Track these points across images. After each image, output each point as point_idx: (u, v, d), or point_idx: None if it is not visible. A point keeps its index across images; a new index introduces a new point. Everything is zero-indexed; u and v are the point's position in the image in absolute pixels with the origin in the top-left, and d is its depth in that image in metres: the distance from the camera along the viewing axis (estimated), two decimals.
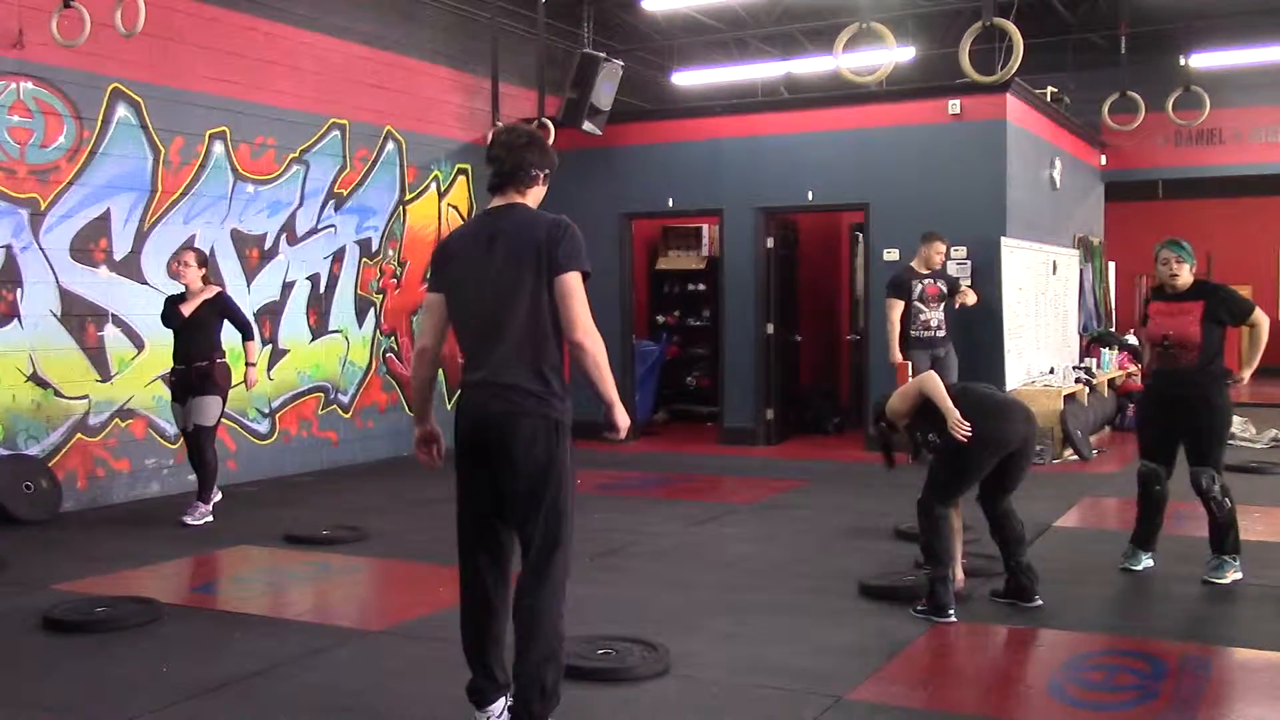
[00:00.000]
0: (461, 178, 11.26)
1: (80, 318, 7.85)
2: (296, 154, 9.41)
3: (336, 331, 9.90)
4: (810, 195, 10.94)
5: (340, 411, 9.94)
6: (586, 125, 10.84)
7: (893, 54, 7.88)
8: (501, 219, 3.57)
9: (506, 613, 3.56)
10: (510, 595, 3.56)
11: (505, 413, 3.46)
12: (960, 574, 5.28)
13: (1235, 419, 11.06)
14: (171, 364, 7.38)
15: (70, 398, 7.77)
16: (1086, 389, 10.96)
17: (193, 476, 7.51)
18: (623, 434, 3.58)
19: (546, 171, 3.67)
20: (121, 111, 8.06)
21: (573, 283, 3.46)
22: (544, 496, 3.47)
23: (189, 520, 7.19)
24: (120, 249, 8.09)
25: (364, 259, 10.15)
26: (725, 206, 11.31)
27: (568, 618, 3.50)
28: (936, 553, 5.04)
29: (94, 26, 7.19)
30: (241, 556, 6.61)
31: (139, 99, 8.15)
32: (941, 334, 9.31)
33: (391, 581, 6.15)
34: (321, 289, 9.76)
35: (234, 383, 7.59)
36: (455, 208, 11.19)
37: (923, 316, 9.26)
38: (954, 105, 10.35)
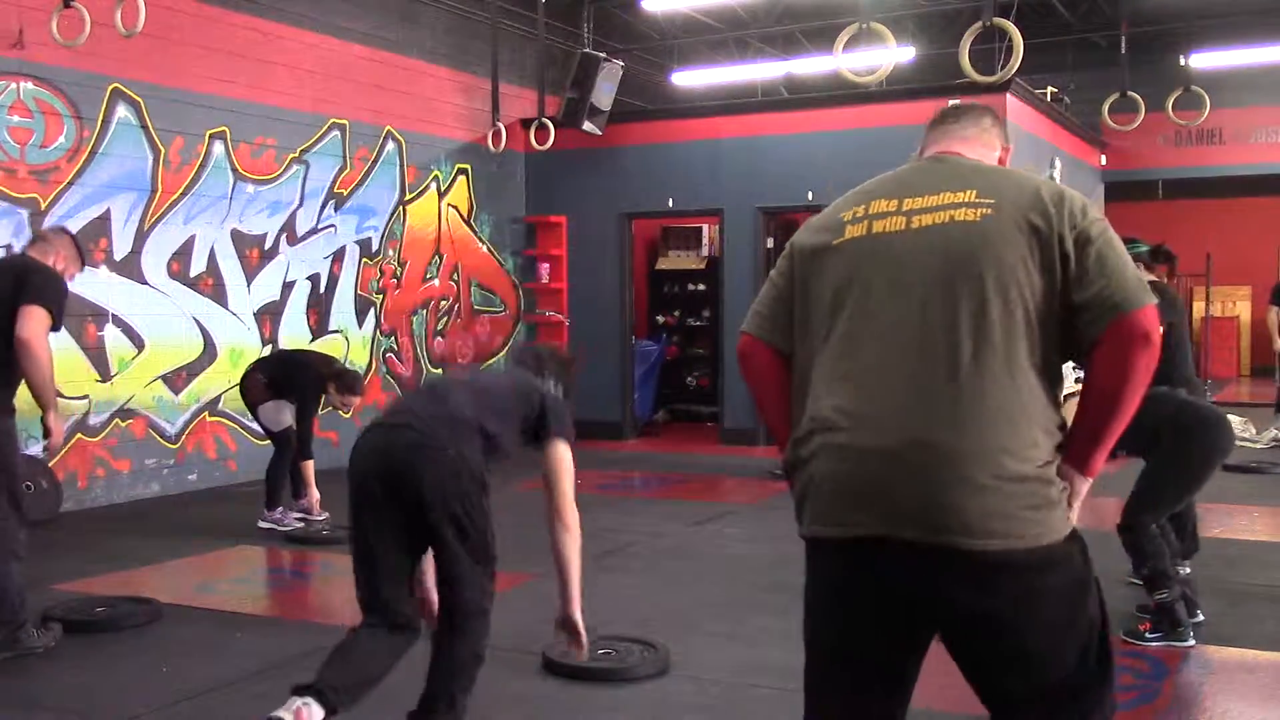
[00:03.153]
0: (461, 178, 11.25)
1: (80, 318, 7.84)
2: (296, 154, 9.41)
3: (336, 331, 9.90)
4: (810, 195, 10.92)
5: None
6: (586, 125, 10.84)
7: (893, 54, 7.87)
8: None
9: None
10: None
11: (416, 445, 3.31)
12: None
13: (1235, 419, 11.12)
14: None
15: (70, 398, 7.76)
16: None
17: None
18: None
19: None
20: (121, 111, 8.06)
21: None
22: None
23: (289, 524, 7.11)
24: (120, 249, 8.09)
25: (364, 259, 10.15)
26: (725, 206, 11.31)
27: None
28: (1165, 571, 4.63)
29: (94, 26, 7.19)
30: (241, 556, 6.62)
31: (139, 99, 8.15)
32: None
33: None
34: (321, 289, 9.76)
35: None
36: (455, 208, 11.20)
37: None
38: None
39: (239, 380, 7.44)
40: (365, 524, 3.34)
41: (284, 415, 7.08)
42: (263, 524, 7.03)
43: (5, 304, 4.53)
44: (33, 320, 4.52)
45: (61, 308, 4.65)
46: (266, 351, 9.19)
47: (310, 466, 7.02)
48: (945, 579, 2.03)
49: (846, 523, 2.13)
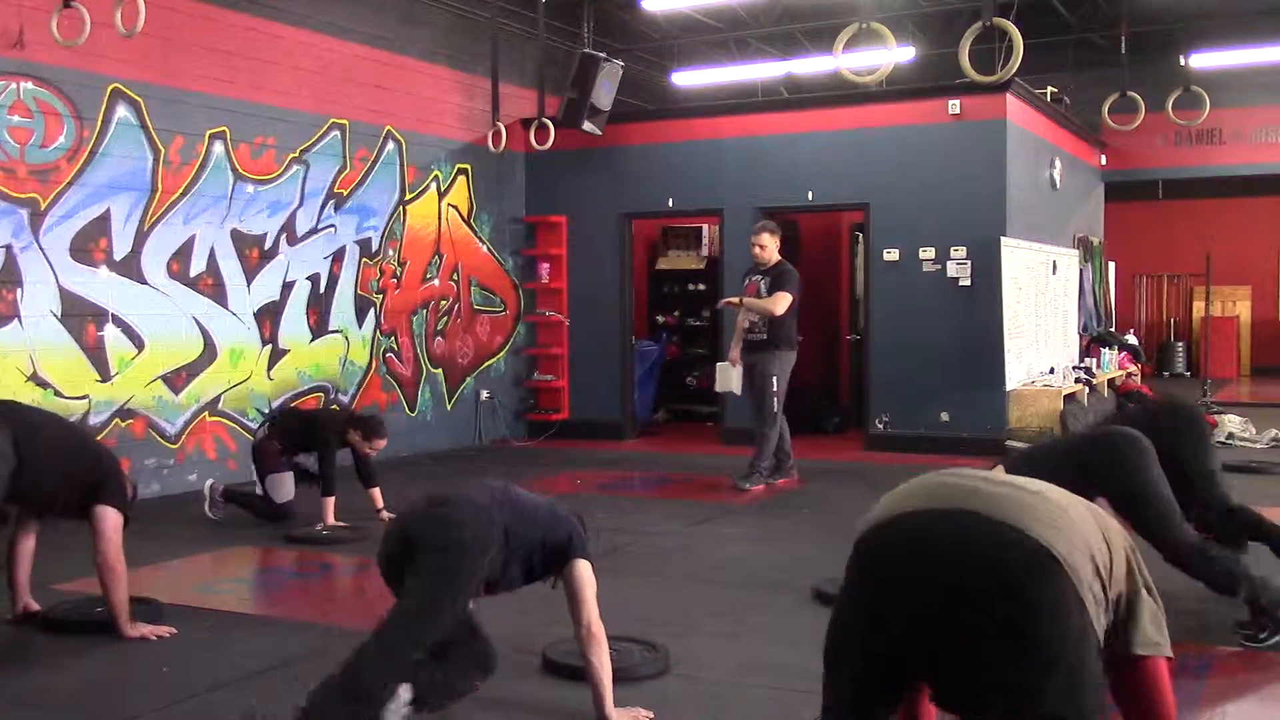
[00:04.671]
0: (461, 178, 11.25)
1: (80, 318, 7.85)
2: (296, 154, 9.41)
3: (336, 331, 9.90)
4: (810, 195, 10.94)
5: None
6: (586, 125, 10.84)
7: (893, 54, 7.87)
8: None
9: None
10: None
11: None
12: None
13: (1235, 418, 11.14)
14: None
15: (70, 398, 7.76)
16: (1086, 389, 10.96)
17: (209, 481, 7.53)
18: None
19: None
20: (121, 111, 8.06)
21: None
22: None
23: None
24: (120, 249, 8.09)
25: (364, 259, 10.15)
26: (725, 206, 11.31)
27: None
28: (1244, 574, 4.70)
29: (94, 26, 7.19)
30: (241, 556, 6.62)
31: (139, 99, 8.15)
32: (755, 337, 8.69)
33: None
34: (321, 289, 9.75)
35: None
36: (455, 208, 11.20)
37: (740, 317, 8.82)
38: (954, 105, 10.35)
39: (251, 449, 7.47)
40: None
41: (288, 487, 7.17)
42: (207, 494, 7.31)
43: (87, 463, 4.67)
44: (118, 536, 4.63)
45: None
46: (266, 352, 9.20)
47: (331, 503, 6.97)
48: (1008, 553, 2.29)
49: (920, 504, 2.46)
